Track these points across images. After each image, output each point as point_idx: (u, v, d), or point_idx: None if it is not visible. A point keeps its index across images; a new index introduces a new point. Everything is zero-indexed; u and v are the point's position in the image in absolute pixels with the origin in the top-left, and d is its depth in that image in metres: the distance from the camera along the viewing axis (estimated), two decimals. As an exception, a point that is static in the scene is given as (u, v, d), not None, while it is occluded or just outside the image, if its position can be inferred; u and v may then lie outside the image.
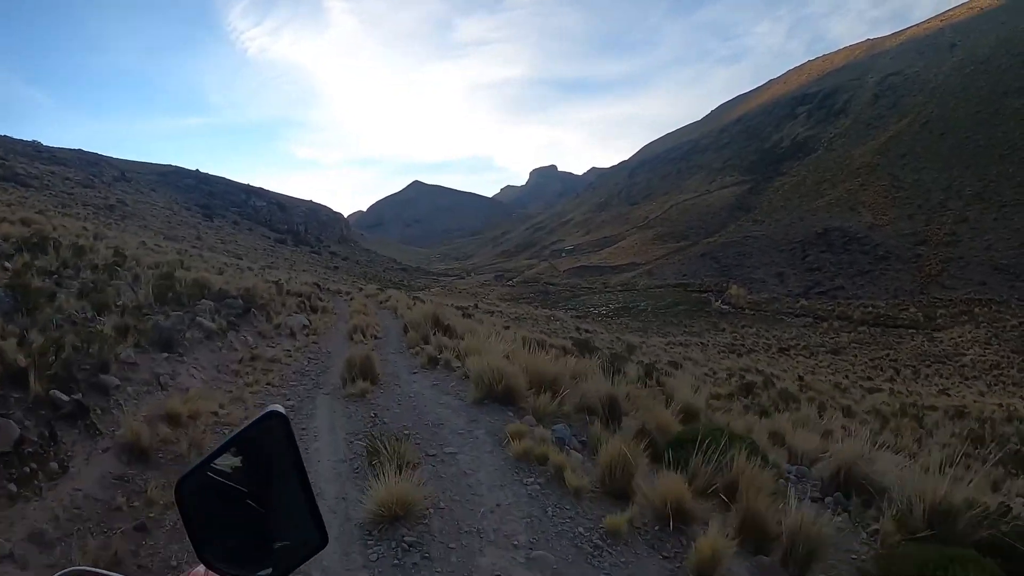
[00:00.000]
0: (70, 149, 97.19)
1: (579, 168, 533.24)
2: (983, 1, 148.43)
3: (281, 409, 1.03)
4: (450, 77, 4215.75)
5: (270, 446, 1.03)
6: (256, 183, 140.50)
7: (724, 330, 64.76)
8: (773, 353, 49.08)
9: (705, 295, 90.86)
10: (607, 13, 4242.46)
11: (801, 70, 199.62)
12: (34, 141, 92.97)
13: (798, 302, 75.27)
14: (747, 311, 76.69)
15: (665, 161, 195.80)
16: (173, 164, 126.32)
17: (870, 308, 68.01)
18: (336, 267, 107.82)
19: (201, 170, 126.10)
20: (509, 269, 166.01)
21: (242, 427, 1.04)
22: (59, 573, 1.02)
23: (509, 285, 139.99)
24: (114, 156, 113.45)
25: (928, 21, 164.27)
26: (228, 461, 1.02)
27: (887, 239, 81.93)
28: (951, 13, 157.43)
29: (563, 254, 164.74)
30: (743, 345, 53.74)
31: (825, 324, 65.36)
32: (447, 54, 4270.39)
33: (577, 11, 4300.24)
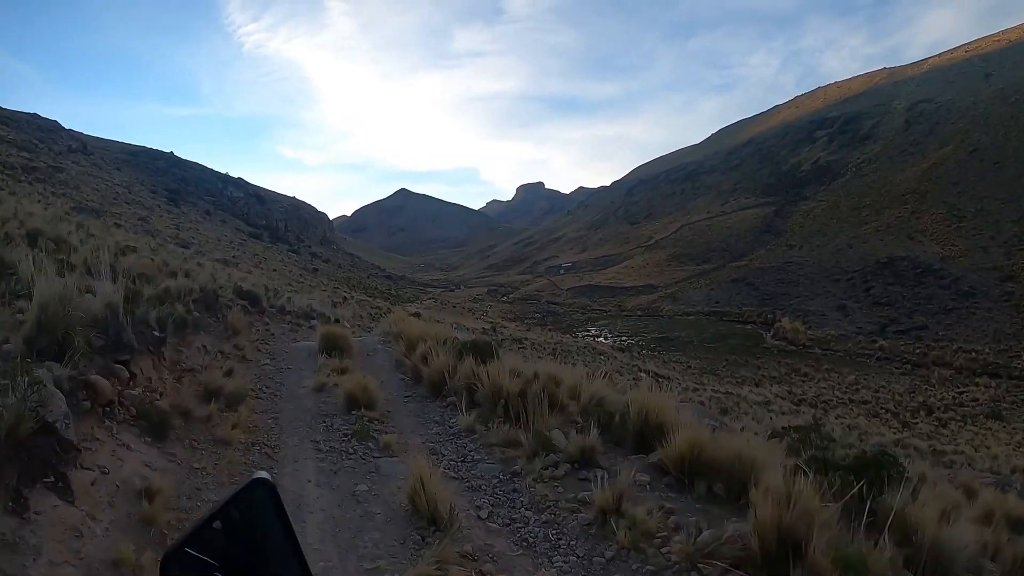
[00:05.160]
0: (25, 112, 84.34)
1: (565, 187, 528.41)
2: (1012, 33, 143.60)
3: (267, 475, 0.94)
4: (442, 87, 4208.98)
5: (258, 517, 0.92)
6: (237, 176, 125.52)
7: (808, 375, 52.07)
8: (923, 418, 36.49)
9: (750, 326, 78.84)
10: (603, 35, 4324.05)
11: (814, 95, 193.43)
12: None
13: (875, 342, 63.40)
14: (815, 349, 64.58)
15: (666, 181, 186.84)
16: (147, 145, 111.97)
17: (972, 353, 56.44)
18: (316, 269, 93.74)
19: (176, 153, 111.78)
20: (502, 284, 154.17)
21: (226, 497, 0.93)
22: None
23: (506, 301, 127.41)
24: (86, 133, 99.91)
25: (952, 51, 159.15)
26: (213, 535, 0.90)
27: (967, 273, 71.28)
28: (976, 44, 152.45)
29: (561, 271, 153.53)
30: (865, 401, 41.06)
31: (926, 372, 53.39)
32: (441, 63, 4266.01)
33: (573, 30, 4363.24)
